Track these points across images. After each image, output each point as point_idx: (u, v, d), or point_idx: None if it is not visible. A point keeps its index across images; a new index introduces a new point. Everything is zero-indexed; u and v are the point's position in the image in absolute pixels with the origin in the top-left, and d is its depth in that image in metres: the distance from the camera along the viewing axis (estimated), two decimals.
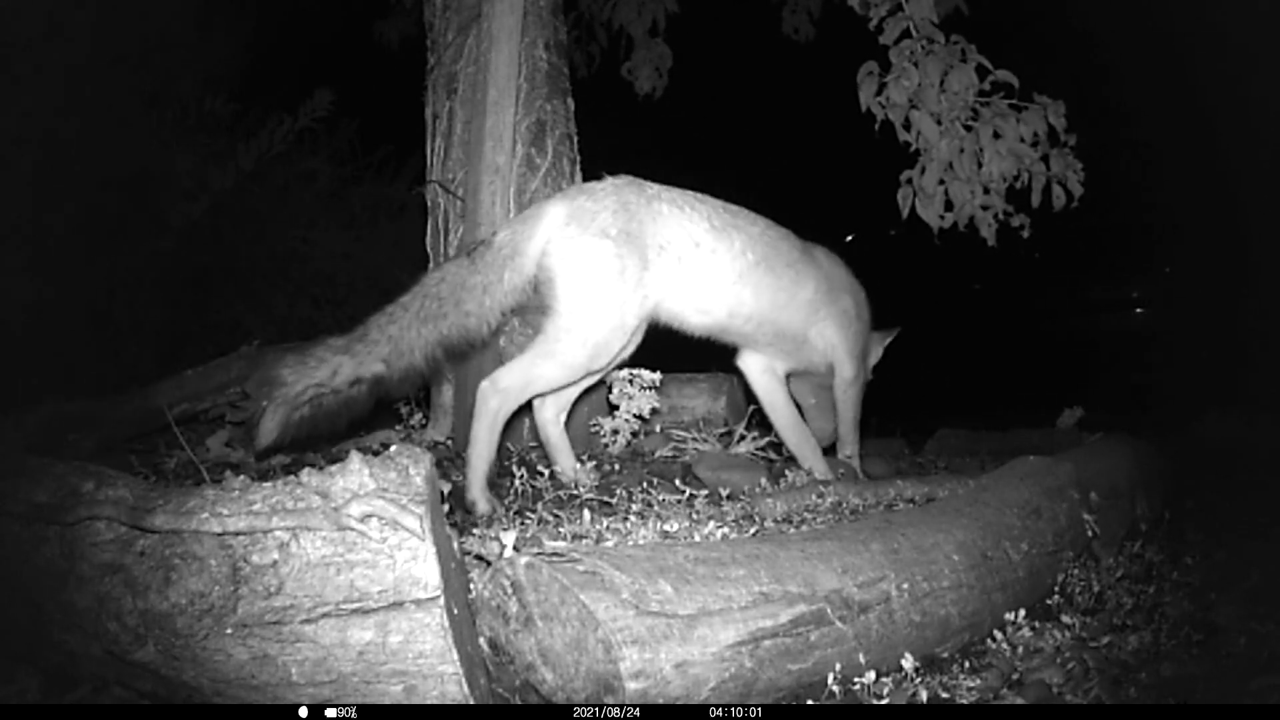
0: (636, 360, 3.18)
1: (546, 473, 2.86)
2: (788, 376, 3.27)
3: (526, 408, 2.80)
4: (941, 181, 3.59)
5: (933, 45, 3.48)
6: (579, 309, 2.55)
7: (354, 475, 1.57)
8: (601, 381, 3.12)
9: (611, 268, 2.56)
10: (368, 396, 2.49)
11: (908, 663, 1.78)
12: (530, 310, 2.72)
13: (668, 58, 5.33)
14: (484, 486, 2.49)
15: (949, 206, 3.62)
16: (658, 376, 3.20)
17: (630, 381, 3.20)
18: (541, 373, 2.56)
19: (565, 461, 2.87)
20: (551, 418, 2.90)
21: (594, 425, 3.32)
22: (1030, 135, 3.52)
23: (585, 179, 3.50)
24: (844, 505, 2.76)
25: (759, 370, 3.21)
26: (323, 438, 2.58)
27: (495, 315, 2.60)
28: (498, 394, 2.52)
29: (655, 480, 2.84)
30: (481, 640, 1.63)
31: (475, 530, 2.29)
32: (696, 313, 2.80)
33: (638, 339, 2.91)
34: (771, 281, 2.87)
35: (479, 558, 1.94)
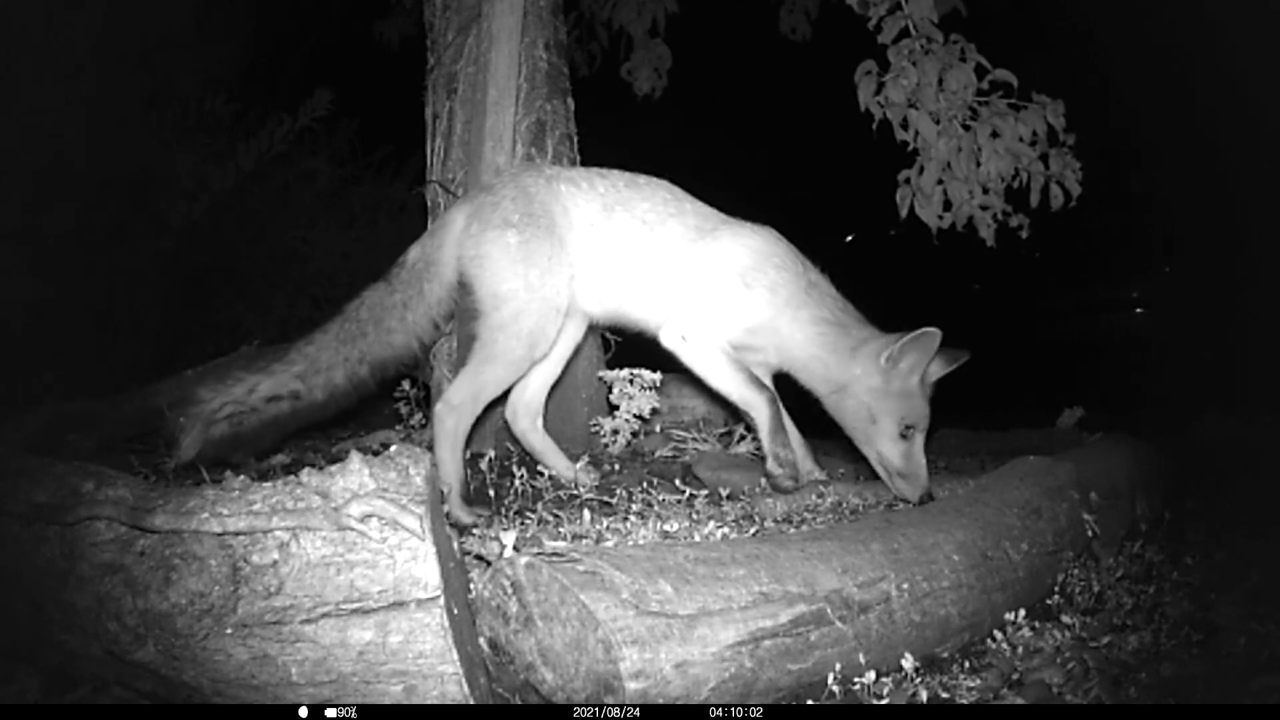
0: (637, 361, 3.18)
1: (546, 473, 2.86)
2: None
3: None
4: (940, 181, 3.59)
5: (931, 44, 3.47)
6: (501, 302, 2.55)
7: (354, 475, 1.57)
8: (565, 376, 3.09)
9: (519, 252, 2.56)
10: (290, 415, 2.56)
11: (908, 663, 1.78)
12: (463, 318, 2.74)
13: (667, 58, 5.33)
14: (461, 503, 2.49)
15: (947, 206, 3.62)
16: (658, 376, 3.20)
17: (630, 381, 3.20)
18: (488, 378, 2.56)
19: (559, 463, 2.88)
20: (528, 427, 2.92)
21: (594, 425, 3.32)
22: (1029, 135, 3.52)
23: None
24: (844, 505, 2.76)
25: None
26: (252, 452, 2.65)
27: (423, 329, 2.66)
28: (453, 412, 2.52)
29: (655, 480, 2.84)
30: (481, 640, 1.63)
31: (475, 530, 2.29)
32: (596, 301, 2.77)
33: (578, 325, 2.90)
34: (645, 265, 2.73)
35: (479, 558, 1.94)
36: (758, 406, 2.73)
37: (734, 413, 3.66)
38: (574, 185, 2.72)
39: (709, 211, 2.87)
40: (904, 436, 2.66)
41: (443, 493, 2.21)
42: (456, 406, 2.53)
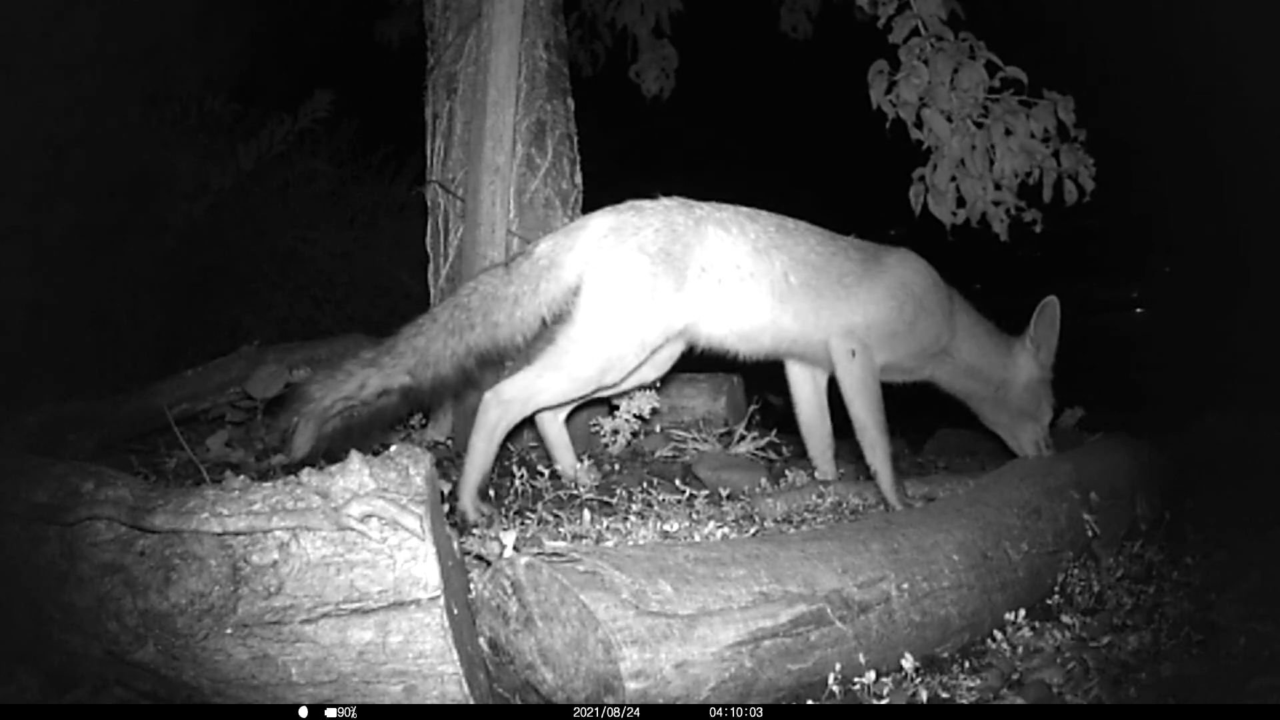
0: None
1: (546, 473, 2.86)
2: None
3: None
4: (953, 178, 3.59)
5: (942, 43, 3.47)
6: (594, 319, 2.51)
7: (354, 475, 1.57)
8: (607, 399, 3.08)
9: (641, 284, 2.52)
10: (399, 405, 2.55)
11: (908, 663, 1.78)
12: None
13: (674, 59, 5.31)
14: (474, 496, 2.47)
15: (961, 203, 3.62)
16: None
17: None
18: (546, 385, 2.52)
19: (566, 459, 2.86)
20: (550, 415, 2.88)
21: (594, 425, 3.32)
22: (1041, 131, 3.52)
23: (586, 179, 3.51)
24: (844, 505, 2.76)
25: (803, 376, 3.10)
26: (358, 445, 2.62)
27: (530, 326, 2.59)
28: (499, 405, 2.50)
29: (655, 480, 2.84)
30: (481, 640, 1.63)
31: (475, 530, 2.29)
32: (738, 338, 2.74)
33: (663, 363, 2.87)
34: (812, 304, 2.74)
35: (479, 558, 1.94)
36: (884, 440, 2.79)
37: (736, 414, 3.67)
38: (723, 228, 2.66)
39: (864, 244, 2.92)
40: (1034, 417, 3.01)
41: (443, 492, 2.21)
42: (505, 401, 2.50)
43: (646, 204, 2.68)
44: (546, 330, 2.64)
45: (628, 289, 2.52)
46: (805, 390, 3.05)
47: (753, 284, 2.65)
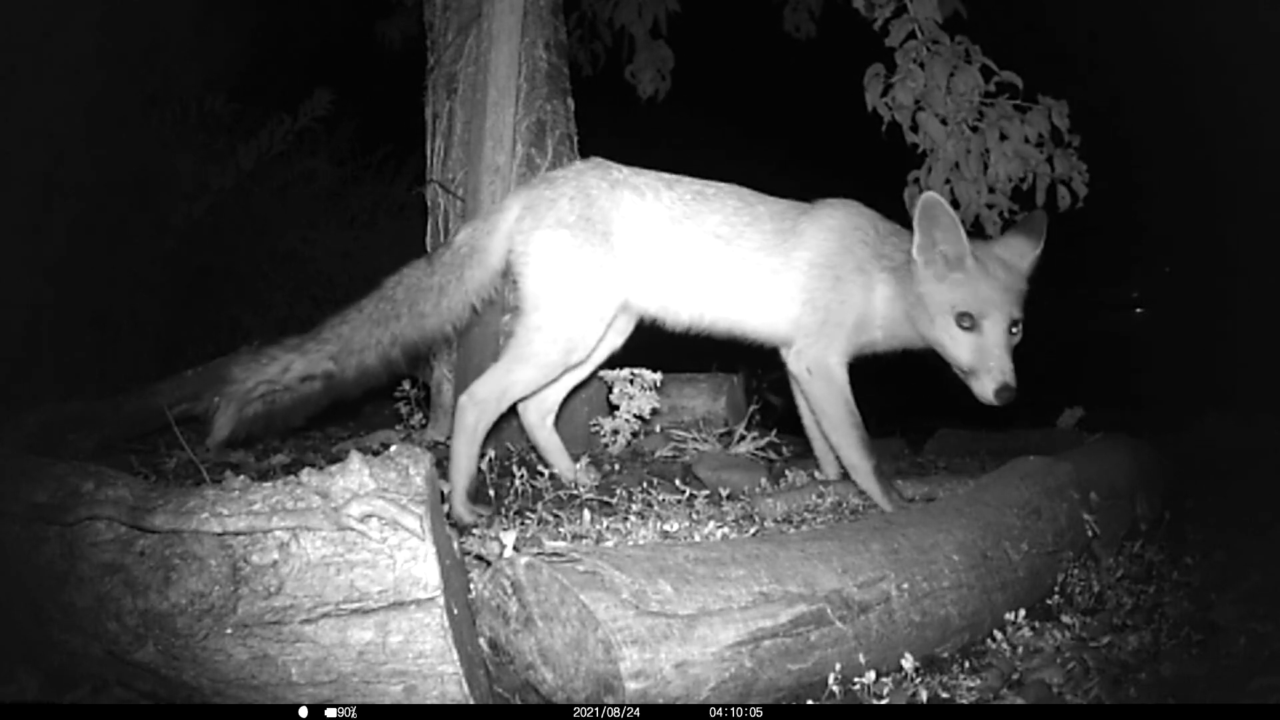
0: (637, 360, 3.17)
1: (546, 473, 2.86)
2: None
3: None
4: (948, 181, 3.60)
5: (938, 46, 3.49)
6: (545, 304, 2.52)
7: (354, 475, 1.57)
8: (590, 380, 3.08)
9: (571, 257, 2.51)
10: (322, 393, 2.54)
11: (908, 663, 1.78)
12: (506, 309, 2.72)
13: (670, 59, 5.32)
14: (464, 499, 2.47)
15: (955, 206, 3.63)
16: (658, 376, 3.20)
17: (630, 381, 3.20)
18: (518, 378, 2.53)
19: (562, 462, 2.87)
20: (537, 422, 2.89)
21: (594, 425, 3.32)
22: (1035, 136, 3.53)
23: None
24: (844, 505, 2.76)
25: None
26: (279, 432, 2.67)
27: (458, 314, 2.61)
28: (475, 406, 2.50)
29: (655, 480, 2.84)
30: (481, 640, 1.63)
31: (475, 530, 2.29)
32: (670, 314, 2.71)
33: (620, 334, 2.87)
34: (726, 286, 2.66)
35: (479, 558, 1.94)
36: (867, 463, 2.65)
37: (736, 415, 3.66)
38: (638, 191, 2.63)
39: (787, 208, 2.74)
40: (965, 327, 2.50)
41: (443, 492, 2.21)
42: (480, 401, 2.50)
43: (559, 173, 2.68)
44: (478, 318, 2.67)
45: (563, 266, 2.52)
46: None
47: (669, 255, 2.61)
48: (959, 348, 2.52)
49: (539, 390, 2.74)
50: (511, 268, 2.58)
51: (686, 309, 2.70)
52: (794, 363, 2.68)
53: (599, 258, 2.54)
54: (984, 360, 2.49)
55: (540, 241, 2.53)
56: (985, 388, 2.48)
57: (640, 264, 2.61)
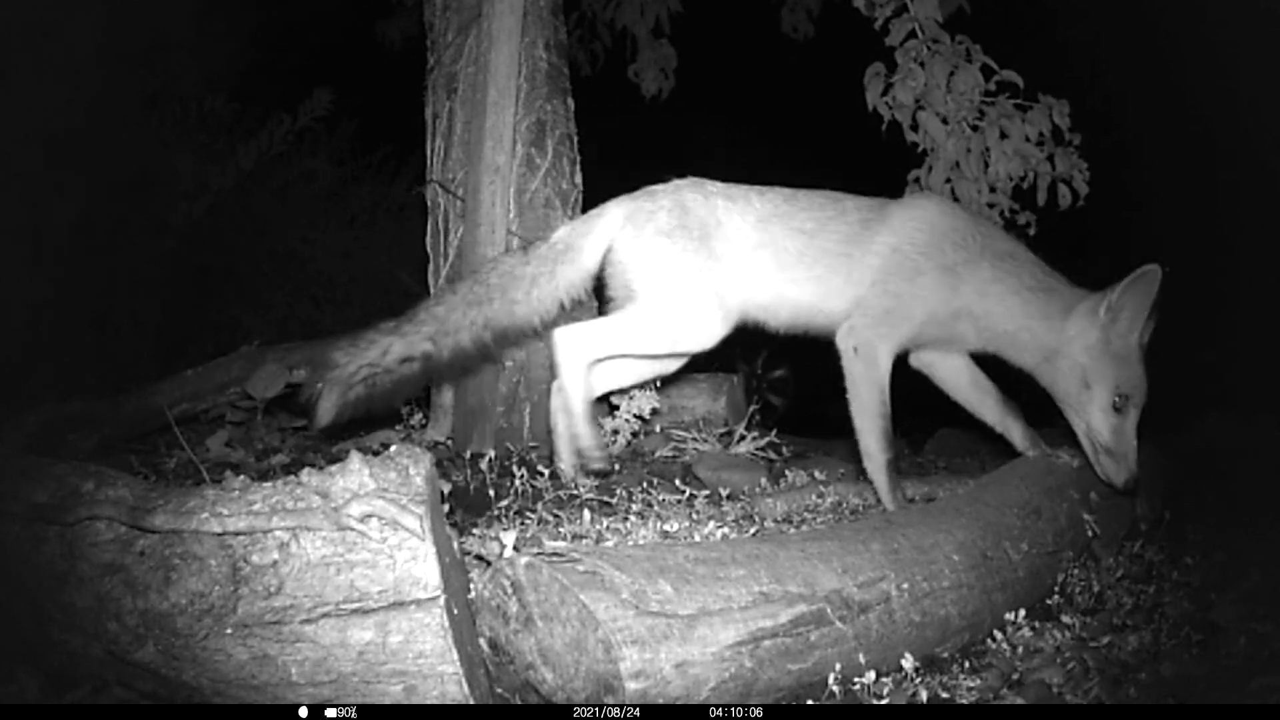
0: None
1: (546, 473, 2.86)
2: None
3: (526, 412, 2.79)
4: (948, 180, 3.60)
5: (938, 45, 3.49)
6: (652, 302, 2.60)
7: (354, 475, 1.57)
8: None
9: (673, 264, 2.59)
10: (420, 375, 2.62)
11: (908, 663, 1.78)
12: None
13: (673, 58, 5.32)
14: (579, 456, 2.63)
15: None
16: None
17: None
18: (613, 336, 2.60)
19: (568, 457, 2.86)
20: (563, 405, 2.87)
21: None
22: (1035, 135, 3.53)
23: (586, 179, 3.51)
24: (844, 505, 2.76)
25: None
26: (380, 414, 2.74)
27: (546, 307, 2.68)
28: (576, 349, 2.60)
29: (655, 480, 2.84)
30: (481, 640, 1.63)
31: (475, 530, 2.29)
32: (761, 311, 2.76)
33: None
34: (809, 272, 2.69)
35: (479, 558, 1.94)
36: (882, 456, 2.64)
37: (736, 414, 3.66)
38: (731, 201, 2.71)
39: (874, 202, 2.77)
40: (1117, 409, 2.48)
41: (443, 492, 2.21)
42: (573, 341, 2.59)
43: (657, 188, 2.75)
44: (564, 314, 2.72)
45: (665, 271, 2.60)
46: (942, 371, 2.91)
47: (760, 254, 2.67)
48: (1103, 424, 2.51)
49: (616, 359, 2.79)
50: (615, 274, 2.66)
51: (782, 309, 2.74)
52: (843, 338, 2.66)
53: (698, 262, 2.61)
54: (1122, 445, 2.50)
55: (642, 249, 2.62)
56: (1117, 474, 2.51)
57: (736, 266, 2.66)
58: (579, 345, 2.60)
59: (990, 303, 2.62)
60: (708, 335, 2.67)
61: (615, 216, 2.69)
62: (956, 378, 2.88)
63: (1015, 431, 2.84)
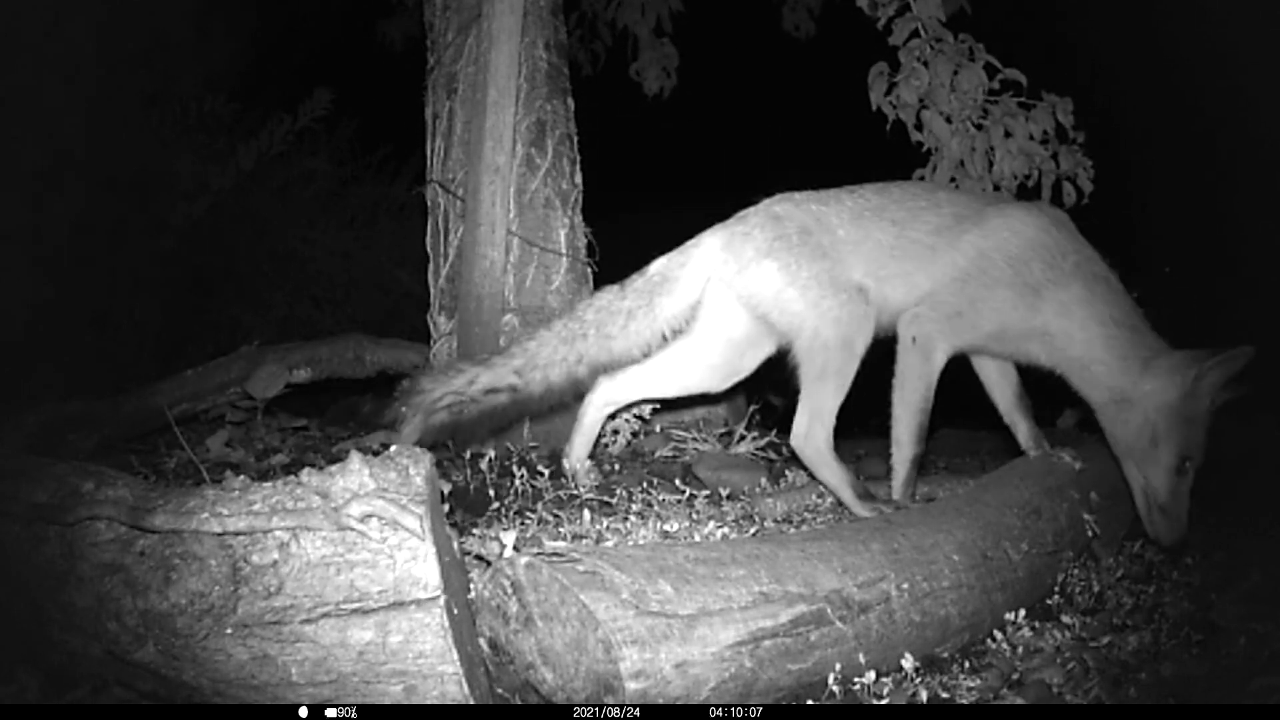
0: None
1: (546, 473, 2.86)
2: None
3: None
4: (953, 179, 3.60)
5: (942, 45, 3.49)
6: (799, 326, 2.55)
7: (354, 475, 1.57)
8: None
9: (791, 281, 2.55)
10: (508, 406, 2.66)
11: (908, 663, 1.78)
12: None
13: (674, 58, 5.31)
14: (855, 498, 2.56)
15: None
16: None
17: None
18: (824, 395, 2.54)
19: (580, 449, 2.85)
20: (599, 402, 2.85)
21: None
22: (1040, 133, 3.53)
23: (587, 178, 3.51)
24: (844, 505, 2.76)
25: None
26: (469, 440, 2.78)
27: (646, 340, 2.66)
28: (805, 441, 2.56)
29: (655, 480, 2.84)
30: (481, 640, 1.63)
31: (475, 530, 2.29)
32: (879, 302, 2.67)
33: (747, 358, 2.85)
34: (899, 266, 2.64)
35: (479, 558, 1.94)
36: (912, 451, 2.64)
37: (736, 412, 3.66)
38: (822, 204, 2.67)
39: (975, 198, 2.75)
40: (1179, 470, 2.44)
41: (443, 492, 2.21)
42: (804, 435, 2.56)
43: (747, 210, 2.72)
44: (665, 342, 2.70)
45: (786, 287, 2.55)
46: (993, 374, 2.88)
47: (853, 250, 2.62)
48: (1164, 484, 2.47)
49: (629, 378, 2.78)
50: (750, 306, 2.63)
51: (887, 301, 2.66)
52: (905, 326, 2.63)
53: (813, 266, 2.55)
54: (1177, 507, 2.46)
55: (753, 282, 2.59)
56: (1169, 534, 2.47)
57: (846, 253, 2.61)
58: (813, 437, 2.55)
59: (1071, 326, 2.55)
60: (868, 325, 2.58)
61: (711, 246, 2.66)
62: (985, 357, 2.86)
63: (1021, 427, 2.84)
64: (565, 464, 2.83)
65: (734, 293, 2.64)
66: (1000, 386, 2.86)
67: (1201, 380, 2.43)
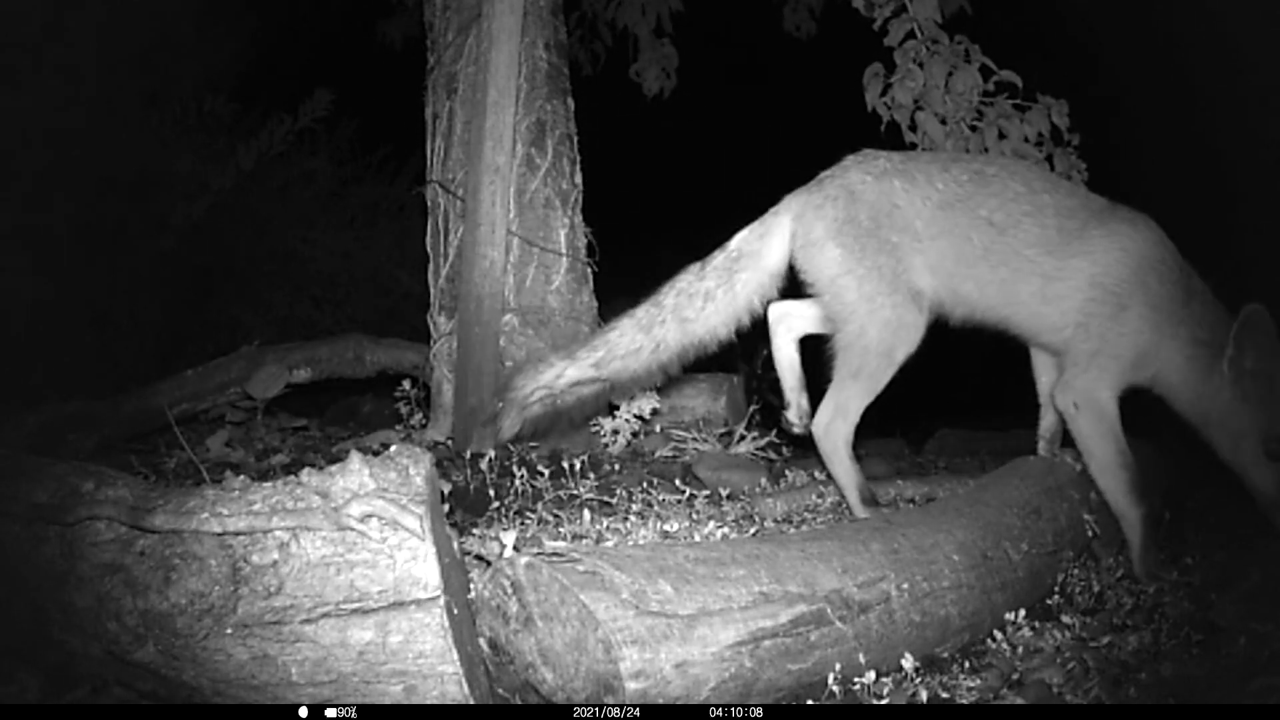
0: None
1: (546, 473, 2.86)
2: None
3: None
4: None
5: (937, 46, 3.49)
6: (846, 318, 2.49)
7: (354, 475, 1.57)
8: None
9: (845, 264, 2.47)
10: (600, 394, 2.69)
11: (908, 663, 1.78)
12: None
13: (674, 58, 5.31)
14: (860, 503, 2.55)
15: None
16: None
17: None
18: (851, 394, 2.51)
19: (794, 392, 2.78)
20: (787, 340, 2.79)
21: (594, 425, 3.31)
22: (1034, 135, 3.53)
23: (586, 179, 3.51)
24: (844, 505, 2.76)
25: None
26: (562, 431, 2.90)
27: (724, 319, 2.59)
28: (823, 433, 2.55)
29: (655, 480, 2.84)
30: (481, 640, 1.63)
31: (475, 530, 2.29)
32: (939, 306, 2.57)
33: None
34: (995, 274, 2.48)
35: (479, 558, 1.94)
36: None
37: (736, 414, 3.66)
38: (909, 180, 2.50)
39: (1085, 200, 2.54)
40: (1274, 455, 2.28)
41: (443, 493, 2.21)
42: (826, 426, 2.54)
43: (827, 173, 2.62)
44: (742, 325, 2.63)
45: (842, 275, 2.48)
46: (1045, 359, 2.76)
47: (936, 243, 2.49)
48: (1262, 478, 2.34)
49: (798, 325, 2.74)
50: (803, 272, 2.57)
51: (959, 307, 2.57)
52: (1061, 398, 2.49)
53: (876, 261, 2.45)
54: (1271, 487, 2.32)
55: (814, 260, 2.51)
56: None
57: (914, 253, 2.49)
58: (833, 431, 2.54)
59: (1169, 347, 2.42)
60: (914, 335, 2.49)
61: (786, 215, 2.57)
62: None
63: (1048, 418, 2.77)
64: (787, 414, 2.76)
65: (797, 263, 2.56)
66: (1049, 370, 2.73)
67: (1238, 362, 2.32)
